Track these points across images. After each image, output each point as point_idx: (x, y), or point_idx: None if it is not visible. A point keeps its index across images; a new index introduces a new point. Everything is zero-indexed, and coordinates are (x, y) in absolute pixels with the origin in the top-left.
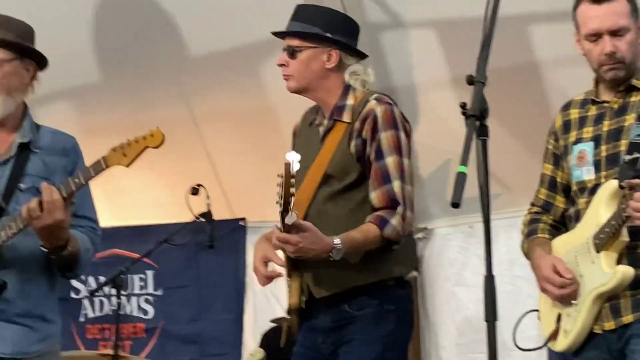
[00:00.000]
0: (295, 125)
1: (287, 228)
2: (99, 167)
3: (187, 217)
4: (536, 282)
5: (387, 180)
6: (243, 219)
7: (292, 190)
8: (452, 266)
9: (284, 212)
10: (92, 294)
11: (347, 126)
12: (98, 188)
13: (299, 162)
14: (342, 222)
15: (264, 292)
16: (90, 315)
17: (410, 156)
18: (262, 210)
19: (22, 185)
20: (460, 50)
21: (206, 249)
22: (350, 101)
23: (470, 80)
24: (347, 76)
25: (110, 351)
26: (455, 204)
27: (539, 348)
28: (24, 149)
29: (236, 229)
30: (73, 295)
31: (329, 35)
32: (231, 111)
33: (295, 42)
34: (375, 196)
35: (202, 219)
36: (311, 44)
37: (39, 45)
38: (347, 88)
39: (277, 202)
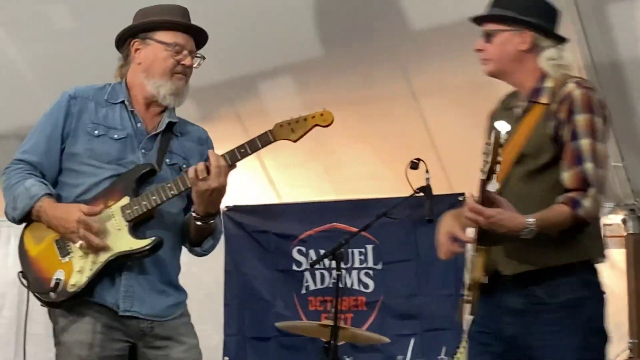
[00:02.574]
0: (492, 109)
1: (482, 200)
2: (267, 139)
3: (405, 192)
4: None
5: (579, 162)
6: (462, 194)
7: (499, 159)
8: None
9: (487, 180)
10: (312, 266)
11: (544, 108)
12: (317, 162)
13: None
14: (534, 203)
15: None
16: (312, 287)
17: (606, 141)
18: None
19: (167, 160)
20: None
21: (424, 223)
22: (548, 84)
23: None
24: (543, 61)
25: (331, 322)
26: None
27: None
28: (168, 130)
29: (455, 204)
30: (295, 267)
31: (523, 17)
32: (451, 85)
33: (490, 27)
34: (567, 176)
35: (421, 193)
36: (505, 27)
37: (260, 21)
38: (544, 72)
39: (480, 170)
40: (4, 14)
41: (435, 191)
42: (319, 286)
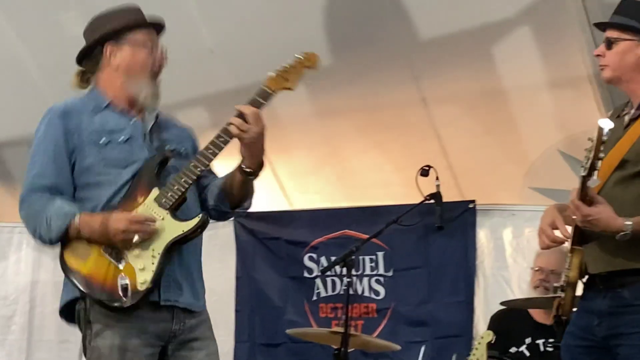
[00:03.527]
0: (607, 115)
1: (583, 196)
2: (266, 93)
3: (416, 199)
4: None
5: None
6: (473, 202)
7: (601, 155)
8: None
9: (588, 176)
10: (323, 272)
11: None
12: (328, 169)
13: None
14: (627, 207)
15: (494, 276)
16: (323, 294)
17: None
18: (492, 193)
19: (168, 147)
20: None
21: (435, 230)
22: None
23: None
24: None
25: (341, 329)
26: None
27: None
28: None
29: (466, 211)
30: (306, 274)
31: None
32: (462, 93)
33: (613, 34)
34: None
35: (431, 200)
36: (628, 37)
37: (271, 29)
38: None
39: (581, 166)
40: (16, 21)
41: (446, 198)
42: (329, 293)
